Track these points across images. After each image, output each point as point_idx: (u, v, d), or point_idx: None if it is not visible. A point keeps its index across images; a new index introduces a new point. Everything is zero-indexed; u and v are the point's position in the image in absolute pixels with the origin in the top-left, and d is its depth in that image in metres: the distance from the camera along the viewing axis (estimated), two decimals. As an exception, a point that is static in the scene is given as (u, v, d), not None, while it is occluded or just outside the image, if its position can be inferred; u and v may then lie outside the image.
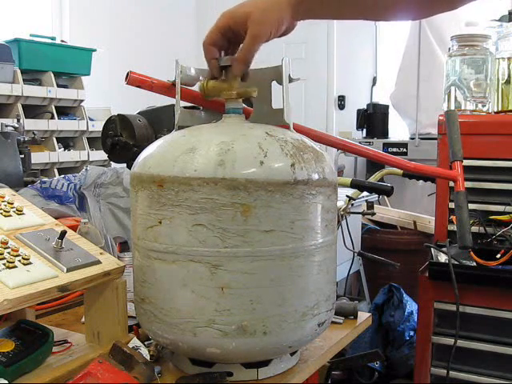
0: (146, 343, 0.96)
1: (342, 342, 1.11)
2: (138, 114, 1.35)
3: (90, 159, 3.37)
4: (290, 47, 4.53)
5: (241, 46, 0.88)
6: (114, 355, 0.81)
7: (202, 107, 1.04)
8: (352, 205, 2.34)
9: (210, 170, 0.80)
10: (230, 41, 0.90)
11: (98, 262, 0.91)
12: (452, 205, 1.81)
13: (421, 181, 2.84)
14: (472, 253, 1.67)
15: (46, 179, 1.63)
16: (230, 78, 0.91)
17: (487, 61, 1.94)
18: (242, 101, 0.94)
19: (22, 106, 3.04)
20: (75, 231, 1.06)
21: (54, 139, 3.23)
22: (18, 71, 3.02)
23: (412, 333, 2.47)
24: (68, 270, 0.86)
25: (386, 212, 3.22)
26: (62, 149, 3.35)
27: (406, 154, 3.59)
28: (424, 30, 3.67)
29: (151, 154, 0.88)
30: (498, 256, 1.69)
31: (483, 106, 1.97)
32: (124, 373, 0.79)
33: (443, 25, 3.53)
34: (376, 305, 2.61)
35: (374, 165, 3.55)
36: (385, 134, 4.03)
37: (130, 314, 0.97)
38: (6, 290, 0.77)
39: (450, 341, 1.72)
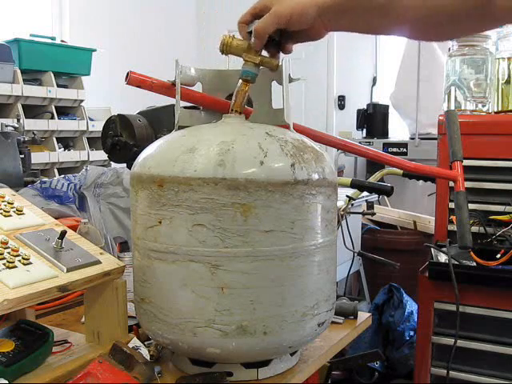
0: (146, 343, 0.96)
1: (342, 342, 1.11)
2: (138, 114, 1.35)
3: (90, 159, 3.37)
4: (289, 47, 4.52)
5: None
6: (114, 355, 0.81)
7: (201, 107, 1.04)
8: (352, 205, 2.34)
9: (210, 170, 0.80)
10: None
11: (98, 262, 0.91)
12: (452, 205, 1.80)
13: (421, 181, 2.83)
14: (472, 253, 1.67)
15: (46, 179, 1.63)
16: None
17: (487, 61, 1.94)
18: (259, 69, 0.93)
19: (22, 105, 3.04)
20: (75, 231, 1.06)
21: (54, 139, 3.23)
22: (18, 71, 3.02)
23: (412, 333, 2.47)
24: (68, 270, 0.86)
25: (386, 212, 3.22)
26: (62, 149, 3.35)
27: (406, 154, 3.58)
28: (424, 30, 3.66)
29: (151, 154, 0.88)
30: (498, 256, 1.69)
31: (483, 106, 1.97)
32: (124, 373, 0.79)
33: (443, 25, 3.53)
34: (376, 305, 2.61)
35: (374, 165, 3.55)
36: (385, 134, 4.02)
37: (130, 314, 0.97)
38: (5, 290, 0.77)
39: (450, 341, 1.72)
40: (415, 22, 0.86)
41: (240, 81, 0.93)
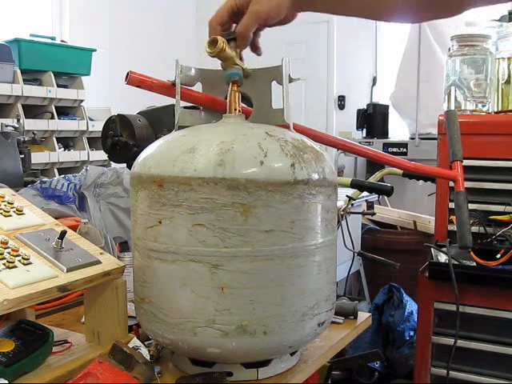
0: (146, 343, 0.96)
1: (342, 342, 1.11)
2: (138, 114, 1.35)
3: (90, 159, 3.37)
4: (290, 47, 4.53)
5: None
6: (114, 355, 0.81)
7: (201, 107, 1.04)
8: (352, 205, 2.34)
9: (210, 169, 0.80)
10: (235, 22, 0.93)
11: (98, 262, 0.91)
12: (452, 205, 1.80)
13: (421, 181, 2.84)
14: (472, 253, 1.66)
15: (46, 179, 1.63)
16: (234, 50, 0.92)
17: (487, 61, 1.95)
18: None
19: (22, 105, 3.04)
20: (75, 231, 1.06)
21: (54, 139, 3.24)
22: (18, 71, 3.02)
23: (412, 333, 2.47)
24: (68, 270, 0.86)
25: (386, 212, 3.22)
26: (62, 149, 3.36)
27: (406, 154, 3.59)
28: (424, 30, 3.67)
29: (151, 154, 0.88)
30: (498, 256, 1.69)
31: (483, 106, 1.97)
32: (124, 373, 0.79)
33: (443, 25, 3.53)
34: (376, 305, 2.61)
35: (374, 165, 3.55)
36: (385, 134, 4.03)
37: (130, 314, 0.97)
38: (5, 290, 0.77)
39: (450, 341, 1.72)
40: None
41: (230, 84, 0.93)
